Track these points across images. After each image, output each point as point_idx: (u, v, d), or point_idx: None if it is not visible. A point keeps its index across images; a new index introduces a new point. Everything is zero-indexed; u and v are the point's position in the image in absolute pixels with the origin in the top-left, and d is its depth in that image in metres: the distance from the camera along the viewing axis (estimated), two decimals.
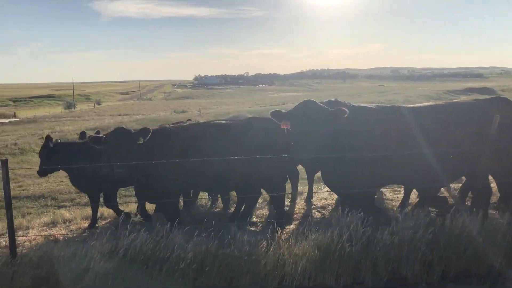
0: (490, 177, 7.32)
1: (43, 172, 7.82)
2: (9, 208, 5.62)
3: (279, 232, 5.79)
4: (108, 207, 8.20)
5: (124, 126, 6.86)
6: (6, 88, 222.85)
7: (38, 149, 8.21)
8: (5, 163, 5.63)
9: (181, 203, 8.09)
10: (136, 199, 8.03)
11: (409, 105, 7.31)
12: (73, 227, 8.02)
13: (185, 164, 6.50)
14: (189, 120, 9.79)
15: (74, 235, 7.36)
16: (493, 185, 7.46)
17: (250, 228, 7.07)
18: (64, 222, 8.35)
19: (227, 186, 7.57)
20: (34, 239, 7.13)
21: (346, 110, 5.97)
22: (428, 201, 7.37)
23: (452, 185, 8.61)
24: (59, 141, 8.03)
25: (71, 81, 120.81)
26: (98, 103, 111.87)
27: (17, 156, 28.10)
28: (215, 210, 8.62)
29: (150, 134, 6.64)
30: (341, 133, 6.15)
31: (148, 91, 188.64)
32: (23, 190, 18.78)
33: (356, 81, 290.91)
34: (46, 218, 8.68)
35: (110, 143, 6.57)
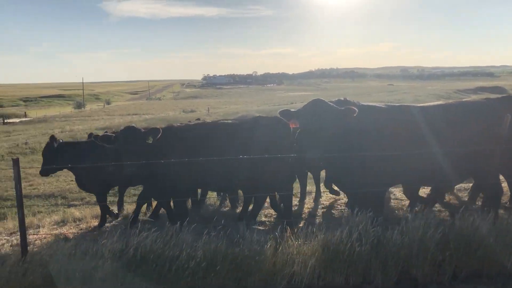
0: (501, 177, 7.25)
1: (45, 171, 7.91)
2: (20, 206, 5.68)
3: (288, 231, 5.78)
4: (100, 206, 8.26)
5: (134, 125, 6.89)
6: (17, 88, 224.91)
7: None
8: (16, 162, 5.68)
9: (186, 202, 8.12)
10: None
11: (418, 104, 7.27)
12: (83, 225, 8.08)
13: (191, 163, 6.51)
14: (198, 119, 9.83)
15: (85, 233, 7.42)
16: (504, 184, 7.39)
17: (259, 228, 7.07)
18: (74, 221, 8.42)
19: (233, 185, 7.59)
20: (45, 238, 7.20)
21: (356, 109, 5.94)
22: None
23: (462, 185, 8.56)
24: (61, 141, 8.11)
25: (81, 81, 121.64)
26: (108, 103, 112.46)
27: (28, 156, 28.35)
28: (224, 209, 8.64)
29: (160, 134, 6.68)
30: (350, 132, 6.13)
31: (157, 91, 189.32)
32: (34, 189, 18.94)
33: (365, 80, 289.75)
34: (56, 217, 8.75)
35: (119, 142, 6.62)
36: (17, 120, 68.71)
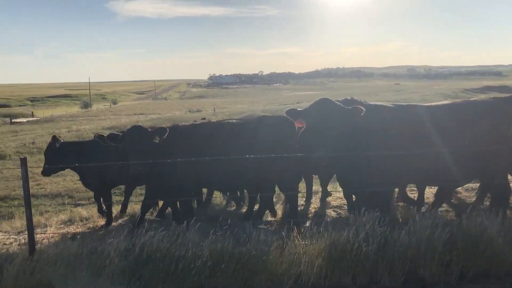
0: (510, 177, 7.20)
1: (47, 171, 7.96)
2: (28, 205, 5.71)
3: (295, 231, 5.77)
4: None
5: (141, 124, 6.91)
6: (24, 88, 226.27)
7: None
8: (24, 161, 5.71)
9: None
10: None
11: (426, 104, 7.23)
12: (90, 225, 8.11)
13: (196, 162, 6.52)
14: (203, 119, 9.85)
15: (91, 232, 7.45)
16: None
17: (265, 227, 7.07)
18: (81, 220, 8.45)
19: (238, 185, 7.59)
20: (52, 237, 7.23)
21: (363, 108, 5.91)
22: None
23: (470, 185, 8.51)
24: (62, 141, 8.15)
25: (88, 81, 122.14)
26: (114, 102, 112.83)
27: (35, 155, 28.47)
28: (230, 209, 8.64)
29: (167, 133, 6.69)
30: (358, 131, 6.10)
31: (163, 91, 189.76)
32: (41, 188, 19.05)
33: (371, 79, 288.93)
34: (63, 216, 8.79)
35: (126, 141, 6.63)
36: (24, 119, 69.08)
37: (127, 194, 8.88)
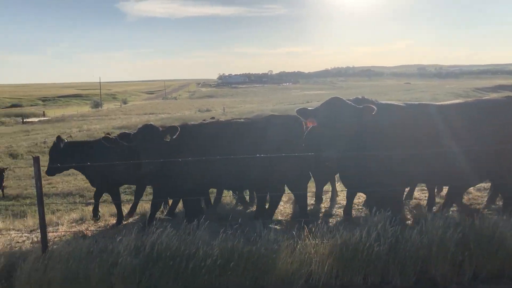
0: None
1: (51, 171, 8.02)
2: (41, 204, 5.76)
3: (305, 230, 5.75)
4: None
5: (152, 123, 6.93)
6: (35, 88, 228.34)
7: None
8: (36, 160, 5.77)
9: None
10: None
11: (437, 103, 7.17)
12: (101, 223, 8.16)
13: (203, 162, 6.53)
14: (213, 118, 9.87)
15: (102, 231, 7.49)
16: None
17: (275, 227, 7.05)
18: (92, 219, 8.50)
19: (246, 184, 7.59)
20: (64, 235, 7.29)
21: (374, 107, 5.87)
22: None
23: (482, 184, 8.42)
24: (66, 140, 8.22)
25: (98, 81, 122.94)
26: (125, 102, 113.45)
27: (46, 155, 28.65)
28: (239, 208, 8.64)
29: (178, 132, 6.71)
30: (369, 130, 6.06)
31: (173, 90, 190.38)
32: (52, 187, 19.23)
33: (381, 79, 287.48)
34: (75, 215, 8.86)
35: (138, 140, 6.66)
36: (35, 119, 69.76)
37: (138, 195, 8.91)
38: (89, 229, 7.74)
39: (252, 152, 6.50)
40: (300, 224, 6.12)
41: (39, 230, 6.50)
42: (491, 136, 6.29)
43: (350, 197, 7.40)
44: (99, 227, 7.91)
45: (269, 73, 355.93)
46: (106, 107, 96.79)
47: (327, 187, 9.12)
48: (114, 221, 8.01)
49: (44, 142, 32.61)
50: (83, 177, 19.16)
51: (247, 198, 8.91)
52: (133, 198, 9.12)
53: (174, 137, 6.71)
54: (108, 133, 9.74)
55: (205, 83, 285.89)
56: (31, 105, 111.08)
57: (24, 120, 67.84)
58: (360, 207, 8.02)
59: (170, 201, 8.45)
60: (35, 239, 7.05)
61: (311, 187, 8.61)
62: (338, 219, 7.43)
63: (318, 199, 8.51)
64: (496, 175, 6.74)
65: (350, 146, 5.91)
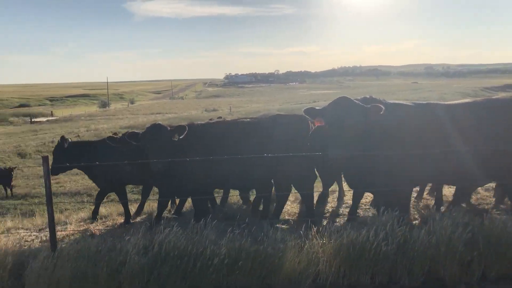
0: None
1: (54, 170, 8.07)
2: (50, 203, 5.79)
3: (313, 230, 5.75)
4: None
5: (160, 123, 6.95)
6: (43, 87, 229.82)
7: None
8: (46, 159, 5.81)
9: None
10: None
11: (446, 102, 7.13)
12: (109, 222, 8.20)
13: (209, 161, 6.55)
14: (220, 117, 9.90)
15: (110, 230, 7.53)
16: None
17: (282, 226, 7.06)
18: (101, 218, 8.54)
19: (252, 184, 7.61)
20: (72, 234, 7.34)
21: (382, 107, 5.85)
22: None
23: (490, 184, 8.37)
24: (69, 140, 8.27)
25: (106, 81, 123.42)
26: (132, 102, 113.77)
27: None
28: (246, 207, 8.64)
29: (186, 131, 6.73)
30: (377, 130, 6.04)
31: (180, 90, 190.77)
32: (60, 186, 19.36)
33: (389, 78, 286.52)
34: (83, 214, 8.91)
35: (146, 139, 6.68)
36: (44, 119, 70.18)
37: (145, 194, 8.94)
38: (97, 228, 7.78)
39: (258, 152, 6.50)
40: (308, 224, 6.11)
41: (47, 229, 6.55)
42: (500, 135, 6.24)
43: (356, 198, 7.36)
44: (107, 226, 7.95)
45: (275, 73, 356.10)
46: (114, 107, 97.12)
47: (334, 186, 9.10)
48: (122, 220, 8.05)
49: (52, 142, 32.80)
50: None
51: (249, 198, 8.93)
52: (140, 197, 9.15)
53: (181, 136, 6.73)
54: (115, 133, 9.77)
55: (211, 83, 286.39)
56: (39, 105, 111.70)
57: (32, 120, 68.30)
58: (367, 206, 8.00)
59: (177, 200, 8.48)
60: (44, 238, 7.10)
61: (318, 187, 8.60)
62: (346, 218, 7.42)
63: (325, 198, 8.49)
64: (505, 175, 6.69)
65: (358, 145, 5.89)
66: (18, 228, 8.07)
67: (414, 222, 6.74)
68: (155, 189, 10.84)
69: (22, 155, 30.22)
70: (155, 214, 7.81)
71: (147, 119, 51.40)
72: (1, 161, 27.40)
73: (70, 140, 8.31)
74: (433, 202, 7.89)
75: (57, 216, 8.80)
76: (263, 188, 7.73)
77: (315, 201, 7.72)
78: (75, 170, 11.18)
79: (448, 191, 8.29)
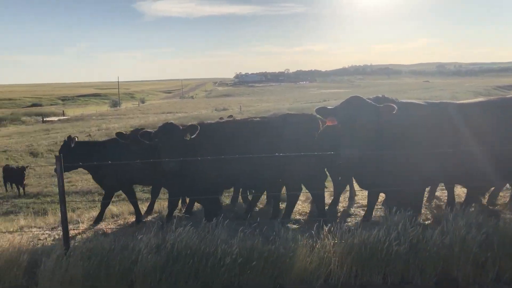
0: None
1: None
2: (63, 202, 5.83)
3: (324, 230, 5.73)
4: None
5: (172, 122, 6.96)
6: (55, 87, 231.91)
7: None
8: (59, 158, 5.86)
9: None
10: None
11: (459, 102, 7.06)
12: (120, 221, 8.26)
13: (219, 160, 6.55)
14: (231, 116, 9.91)
15: (122, 229, 7.57)
16: None
17: (293, 226, 7.05)
18: (112, 217, 8.61)
19: (262, 183, 7.60)
20: (85, 233, 7.39)
21: (395, 106, 5.81)
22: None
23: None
24: (76, 139, 8.32)
25: (116, 80, 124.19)
26: (142, 101, 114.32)
27: None
28: (257, 207, 8.64)
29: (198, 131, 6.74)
30: (389, 130, 6.00)
31: (190, 90, 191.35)
32: (72, 185, 19.54)
33: (400, 77, 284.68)
34: (94, 213, 8.98)
35: (159, 138, 6.69)
36: (55, 118, 70.83)
37: (155, 194, 8.97)
38: (109, 227, 7.83)
39: (268, 151, 6.49)
40: (319, 224, 6.09)
41: (60, 228, 6.61)
42: None
43: (372, 201, 7.29)
44: (119, 225, 8.00)
45: (286, 72, 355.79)
46: (124, 106, 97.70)
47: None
48: (133, 219, 8.09)
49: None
50: None
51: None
52: (150, 196, 9.19)
53: (193, 136, 6.73)
54: (126, 132, 9.85)
55: (221, 82, 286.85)
56: (51, 105, 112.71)
57: (44, 119, 68.99)
58: (379, 206, 7.95)
59: (188, 199, 8.50)
60: (57, 237, 7.17)
61: (329, 186, 8.57)
62: (357, 218, 7.39)
63: (336, 198, 8.46)
64: None
65: (370, 145, 5.85)
66: (31, 227, 8.16)
67: (426, 222, 6.69)
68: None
69: (34, 154, 30.54)
70: (166, 213, 7.85)
71: (157, 118, 51.63)
72: (13, 160, 27.75)
73: (77, 139, 8.37)
74: (444, 202, 7.83)
75: (69, 214, 8.85)
76: (273, 188, 7.72)
77: (326, 201, 7.69)
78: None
79: (461, 191, 8.20)
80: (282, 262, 5.31)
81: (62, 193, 5.85)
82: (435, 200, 8.14)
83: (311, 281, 5.25)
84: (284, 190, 7.90)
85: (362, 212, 7.75)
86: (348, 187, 8.70)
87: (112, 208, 9.16)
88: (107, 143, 8.42)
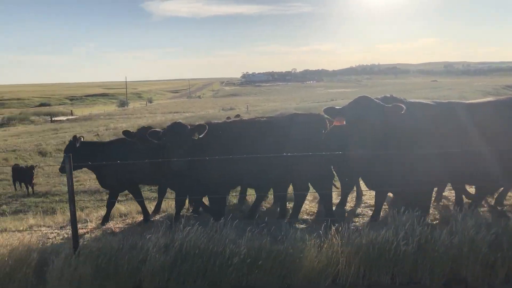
0: None
1: (63, 169, 8.17)
2: (72, 201, 5.87)
3: (332, 230, 5.72)
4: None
5: (181, 121, 6.98)
6: (63, 87, 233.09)
7: None
8: (68, 158, 5.89)
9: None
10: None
11: (468, 101, 7.02)
12: (128, 220, 8.29)
13: (227, 160, 6.55)
14: (238, 115, 9.91)
15: (131, 228, 7.60)
16: None
17: (301, 226, 7.04)
18: (120, 216, 8.64)
19: (269, 183, 7.60)
20: (93, 232, 7.43)
21: (403, 106, 5.79)
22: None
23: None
24: (82, 139, 8.36)
25: (124, 80, 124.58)
26: (150, 101, 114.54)
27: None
28: (264, 207, 8.64)
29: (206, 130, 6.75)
30: (398, 130, 5.97)
31: (197, 89, 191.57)
32: (80, 185, 19.62)
33: (407, 76, 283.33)
34: (103, 212, 9.01)
35: (167, 137, 6.71)
36: (63, 118, 71.15)
37: (161, 193, 8.99)
38: (117, 226, 7.86)
39: (275, 151, 6.49)
40: (327, 223, 6.09)
41: (69, 227, 6.66)
42: None
43: (379, 201, 7.25)
44: (127, 224, 8.03)
45: (292, 71, 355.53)
46: (132, 106, 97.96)
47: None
48: (141, 218, 8.12)
49: None
50: None
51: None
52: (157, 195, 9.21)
53: (201, 135, 6.75)
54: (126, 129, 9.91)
55: (228, 82, 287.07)
56: (59, 104, 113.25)
57: (53, 119, 69.33)
58: (386, 206, 7.93)
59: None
60: (66, 236, 7.21)
61: (337, 186, 8.56)
62: (365, 218, 7.37)
63: (343, 198, 8.43)
64: None
65: (379, 145, 5.84)
66: (40, 226, 8.22)
67: (434, 223, 6.66)
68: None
69: (43, 153, 30.73)
70: (173, 212, 7.87)
71: (165, 118, 51.73)
72: (22, 160, 27.95)
73: (82, 139, 8.41)
74: (452, 202, 7.78)
75: (77, 214, 8.88)
76: (280, 187, 7.72)
77: (334, 201, 7.67)
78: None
79: (470, 191, 8.15)
80: (290, 262, 5.31)
81: (72, 193, 5.89)
82: (443, 200, 8.09)
83: (319, 281, 5.25)
84: (290, 189, 7.90)
85: (370, 212, 7.72)
86: (355, 187, 8.68)
87: (120, 207, 9.20)
88: (112, 144, 8.46)
